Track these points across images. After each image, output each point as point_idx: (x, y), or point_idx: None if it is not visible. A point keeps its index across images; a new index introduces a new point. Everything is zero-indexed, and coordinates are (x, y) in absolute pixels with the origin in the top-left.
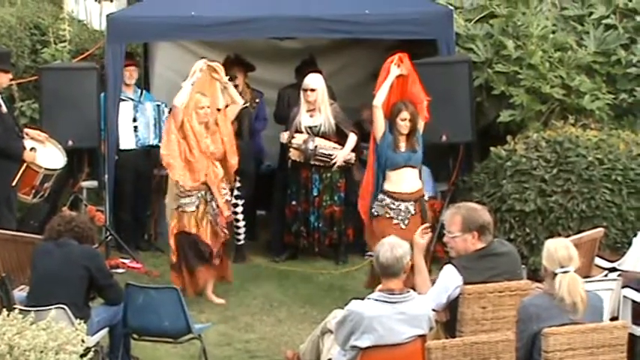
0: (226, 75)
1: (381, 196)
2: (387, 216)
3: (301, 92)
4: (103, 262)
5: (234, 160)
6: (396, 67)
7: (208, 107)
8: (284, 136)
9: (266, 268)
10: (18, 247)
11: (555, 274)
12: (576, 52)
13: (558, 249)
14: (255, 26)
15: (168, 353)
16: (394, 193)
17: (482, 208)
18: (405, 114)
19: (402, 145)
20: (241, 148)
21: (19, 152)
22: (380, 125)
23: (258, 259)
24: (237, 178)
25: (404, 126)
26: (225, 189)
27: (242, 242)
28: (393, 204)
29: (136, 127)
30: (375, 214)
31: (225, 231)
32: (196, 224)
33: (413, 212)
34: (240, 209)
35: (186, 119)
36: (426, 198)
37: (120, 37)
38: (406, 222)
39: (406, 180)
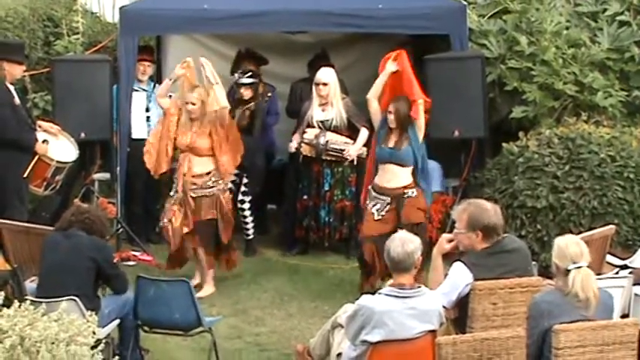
0: (239, 69)
1: (370, 187)
2: (368, 206)
3: (313, 86)
4: (109, 254)
5: (224, 158)
6: (392, 63)
7: (194, 104)
8: (292, 147)
9: (277, 262)
10: (29, 238)
11: (568, 271)
12: (590, 49)
13: (569, 245)
14: (268, 20)
15: (179, 346)
16: (376, 185)
17: (494, 207)
18: (390, 107)
19: (390, 141)
20: (249, 144)
21: (31, 144)
22: (374, 118)
23: (269, 253)
24: (245, 175)
25: (390, 120)
26: (202, 184)
27: (251, 237)
28: (376, 196)
29: (148, 118)
30: (365, 204)
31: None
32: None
33: (388, 208)
34: (247, 205)
35: (170, 111)
36: (409, 195)
37: (132, 29)
38: (382, 214)
39: (387, 175)
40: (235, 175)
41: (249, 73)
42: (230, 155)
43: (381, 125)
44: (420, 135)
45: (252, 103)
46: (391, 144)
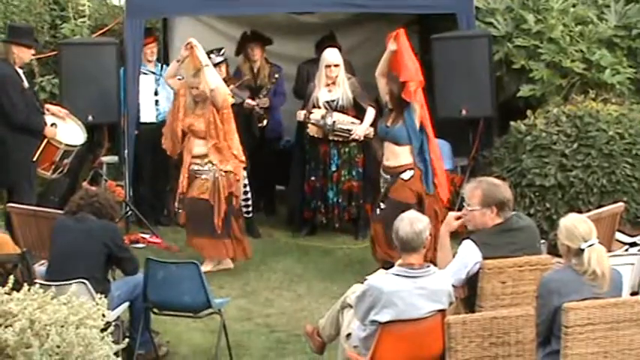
0: (222, 49)
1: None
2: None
3: (323, 68)
4: (120, 237)
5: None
6: (392, 42)
7: (197, 88)
8: (301, 115)
9: (286, 243)
10: (38, 222)
11: (582, 250)
12: (597, 26)
13: (577, 225)
14: (274, 1)
15: (189, 328)
16: (382, 165)
17: (504, 183)
18: (386, 87)
19: (389, 119)
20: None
21: (40, 127)
22: (383, 95)
23: (278, 235)
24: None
25: (387, 100)
26: (203, 165)
27: (251, 215)
28: (383, 175)
29: (157, 101)
30: None
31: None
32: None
33: (388, 184)
34: (245, 181)
35: (180, 92)
36: (404, 177)
37: (139, 12)
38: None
39: (387, 154)
40: None
41: (221, 51)
42: (226, 148)
43: (386, 103)
44: (416, 117)
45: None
46: (389, 122)
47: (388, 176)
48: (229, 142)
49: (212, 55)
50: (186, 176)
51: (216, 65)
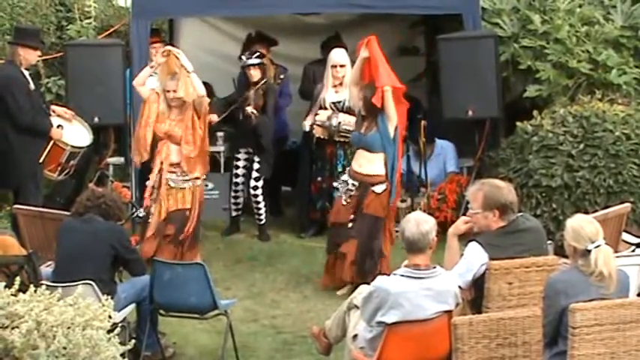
0: (249, 51)
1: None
2: (340, 192)
3: (329, 68)
4: (127, 238)
5: (186, 150)
6: (364, 49)
7: (174, 91)
8: (306, 126)
9: (292, 244)
10: (45, 223)
11: (588, 251)
12: (603, 27)
13: (584, 226)
14: (280, 2)
15: (195, 329)
16: (350, 169)
17: (508, 186)
18: (359, 94)
19: (362, 126)
20: (260, 124)
21: (46, 129)
22: (355, 103)
23: (284, 236)
24: (257, 160)
25: (359, 106)
26: (179, 174)
27: (264, 222)
28: (346, 180)
29: None
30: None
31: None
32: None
33: (352, 193)
34: (260, 191)
35: (150, 99)
36: (376, 190)
37: (145, 13)
38: (348, 199)
39: (360, 160)
40: (246, 156)
41: (257, 54)
42: (200, 155)
43: (359, 110)
44: (390, 125)
45: (263, 81)
46: (362, 129)
47: (356, 182)
48: (205, 147)
49: (243, 57)
50: (165, 184)
51: (248, 66)
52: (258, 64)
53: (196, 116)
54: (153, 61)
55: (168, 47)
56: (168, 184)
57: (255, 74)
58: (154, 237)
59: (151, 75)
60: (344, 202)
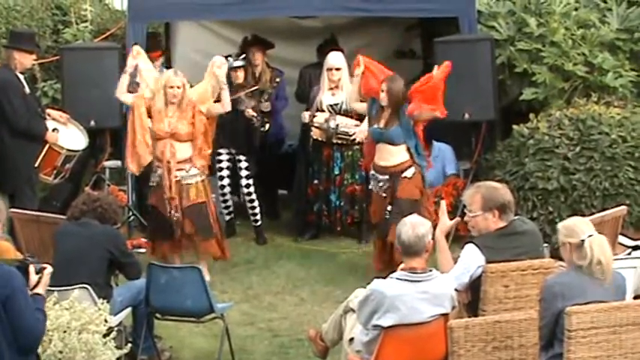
0: (243, 55)
1: (371, 170)
2: (370, 186)
3: (325, 71)
4: (123, 242)
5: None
6: (356, 69)
7: (179, 87)
8: (305, 116)
9: (288, 247)
10: (41, 227)
11: (582, 241)
12: (599, 29)
13: (577, 223)
14: (276, 5)
15: (191, 332)
16: (375, 165)
17: (504, 186)
18: (383, 86)
19: (381, 121)
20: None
21: (41, 133)
22: (364, 111)
23: (281, 239)
24: (243, 159)
25: (382, 98)
26: (188, 170)
27: (260, 223)
28: (376, 176)
29: None
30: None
31: (175, 214)
32: (156, 199)
33: (387, 186)
34: (252, 189)
35: (137, 104)
36: (406, 175)
37: (141, 16)
38: (383, 193)
39: (383, 154)
40: (228, 157)
41: (242, 56)
42: (202, 151)
43: (370, 105)
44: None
45: (255, 87)
46: (382, 124)
47: (385, 176)
48: (209, 144)
49: (230, 59)
50: (175, 182)
51: (233, 69)
52: (242, 67)
53: (206, 119)
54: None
55: (137, 47)
56: (180, 182)
57: (239, 76)
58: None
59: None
60: (384, 195)
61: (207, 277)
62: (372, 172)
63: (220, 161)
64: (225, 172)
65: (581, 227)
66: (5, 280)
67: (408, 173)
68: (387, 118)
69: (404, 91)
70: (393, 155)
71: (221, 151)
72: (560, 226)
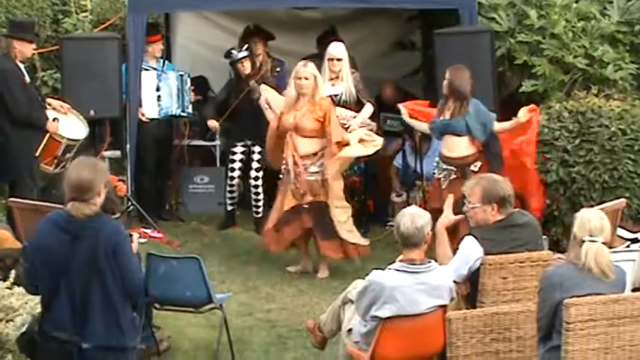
0: (245, 45)
1: (437, 159)
2: (436, 176)
3: (326, 62)
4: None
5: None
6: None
7: (307, 79)
8: None
9: None
10: (40, 216)
11: (583, 242)
12: (599, 22)
13: (592, 219)
14: None
15: (190, 323)
16: (441, 155)
17: (504, 179)
18: (446, 74)
19: (445, 112)
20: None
21: (42, 122)
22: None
23: None
24: (257, 150)
25: (444, 85)
26: (309, 164)
27: (261, 215)
28: (443, 167)
29: (159, 97)
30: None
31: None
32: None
33: (454, 177)
34: (260, 182)
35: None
36: (474, 169)
37: (141, 7)
38: (447, 183)
39: (448, 145)
40: (242, 149)
41: (245, 46)
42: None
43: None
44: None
45: (260, 74)
46: (446, 115)
47: (452, 167)
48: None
49: (234, 52)
50: (302, 176)
51: (239, 60)
52: (248, 57)
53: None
54: (151, 55)
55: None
56: (307, 178)
57: (246, 66)
58: (275, 229)
59: (146, 68)
60: (443, 187)
61: (326, 274)
62: (437, 159)
63: (234, 153)
64: (237, 165)
65: (591, 226)
66: (116, 229)
67: (474, 167)
68: (451, 110)
69: (470, 83)
70: (458, 146)
71: (237, 144)
72: (579, 213)
